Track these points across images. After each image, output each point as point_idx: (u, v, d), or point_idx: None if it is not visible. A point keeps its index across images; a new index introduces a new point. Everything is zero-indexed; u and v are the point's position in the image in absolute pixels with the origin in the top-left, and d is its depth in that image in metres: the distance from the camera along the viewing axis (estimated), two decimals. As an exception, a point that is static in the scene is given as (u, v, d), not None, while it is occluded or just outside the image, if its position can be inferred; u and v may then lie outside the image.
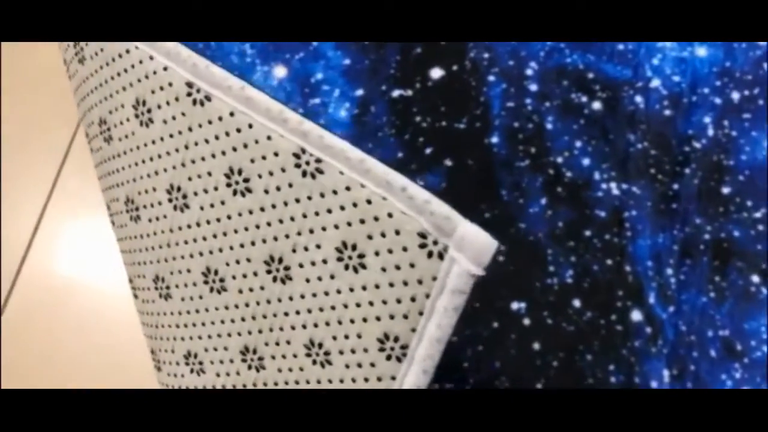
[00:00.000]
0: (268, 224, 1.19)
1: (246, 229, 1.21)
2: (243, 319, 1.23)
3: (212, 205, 1.25)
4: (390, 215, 1.12)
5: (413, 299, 1.12)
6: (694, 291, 1.89)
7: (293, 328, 1.20)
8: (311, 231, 1.16)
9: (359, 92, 2.27)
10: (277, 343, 1.23)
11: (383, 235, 1.12)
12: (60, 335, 1.89)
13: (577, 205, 2.01)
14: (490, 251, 1.09)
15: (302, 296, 1.18)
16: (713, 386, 1.79)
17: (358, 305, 1.15)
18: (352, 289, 1.15)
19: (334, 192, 1.15)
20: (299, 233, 1.17)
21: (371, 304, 1.14)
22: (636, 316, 1.86)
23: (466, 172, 2.08)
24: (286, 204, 1.17)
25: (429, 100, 2.23)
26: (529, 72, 2.21)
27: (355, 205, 1.14)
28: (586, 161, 2.05)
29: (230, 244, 1.23)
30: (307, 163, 1.16)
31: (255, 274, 1.22)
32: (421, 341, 1.13)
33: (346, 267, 1.14)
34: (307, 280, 1.18)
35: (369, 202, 1.13)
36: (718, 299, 1.88)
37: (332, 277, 1.16)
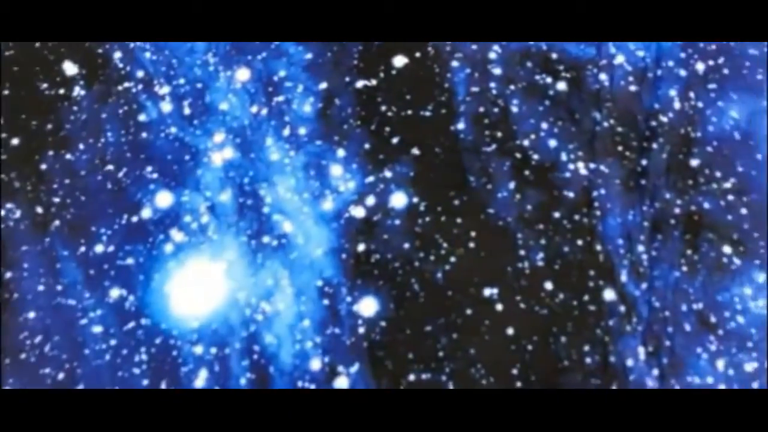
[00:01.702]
0: None
1: None
2: None
3: None
4: None
5: None
6: (667, 266, 1.88)
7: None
8: None
9: (323, 85, 2.26)
10: None
11: None
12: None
13: (546, 187, 2.01)
14: None
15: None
16: (689, 360, 1.80)
17: None
18: None
19: None
20: None
21: None
22: (609, 295, 1.86)
23: (434, 160, 2.07)
24: None
25: (394, 88, 2.22)
26: (492, 55, 2.19)
27: None
28: (552, 143, 2.04)
29: None
30: None
31: None
32: None
33: None
34: None
35: None
36: (690, 273, 1.88)
37: None
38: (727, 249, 1.88)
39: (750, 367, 1.78)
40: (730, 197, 1.93)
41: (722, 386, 1.76)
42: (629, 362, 1.80)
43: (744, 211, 1.91)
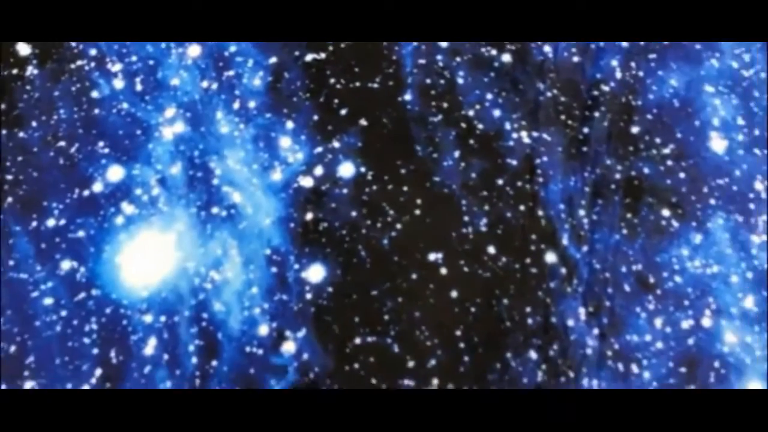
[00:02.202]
0: None
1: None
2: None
3: None
4: None
5: None
6: (607, 230, 1.93)
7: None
8: None
9: (272, 60, 2.29)
10: None
11: None
12: None
13: (490, 156, 2.05)
14: None
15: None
16: (628, 320, 1.84)
17: None
18: None
19: None
20: None
21: None
22: (550, 258, 1.91)
23: (382, 131, 2.10)
24: None
25: (342, 61, 2.25)
26: (439, 28, 2.22)
27: None
28: (497, 113, 2.08)
29: None
30: None
31: None
32: None
33: None
34: None
35: None
36: (630, 235, 1.93)
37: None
38: (665, 212, 1.93)
39: (686, 324, 1.83)
40: (669, 162, 1.98)
41: (659, 344, 1.82)
42: (570, 322, 1.85)
43: (682, 175, 1.96)
